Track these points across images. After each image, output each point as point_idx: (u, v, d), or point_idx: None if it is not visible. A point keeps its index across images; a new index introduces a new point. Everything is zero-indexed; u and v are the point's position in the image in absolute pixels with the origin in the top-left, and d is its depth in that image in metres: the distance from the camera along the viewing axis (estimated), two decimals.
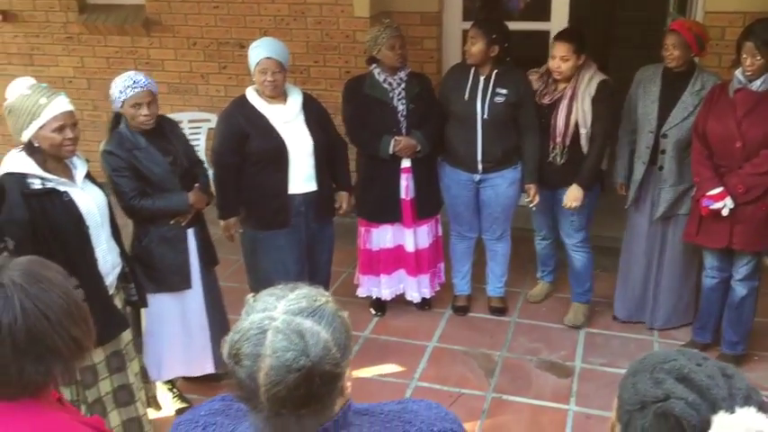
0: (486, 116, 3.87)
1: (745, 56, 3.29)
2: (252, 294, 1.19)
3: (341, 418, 1.15)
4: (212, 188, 3.57)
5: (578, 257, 4.14)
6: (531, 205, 4.08)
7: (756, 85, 3.34)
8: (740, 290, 3.63)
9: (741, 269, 3.60)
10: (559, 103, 3.83)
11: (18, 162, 2.66)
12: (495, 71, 3.87)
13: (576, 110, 3.80)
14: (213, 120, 5.69)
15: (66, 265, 2.67)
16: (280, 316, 1.10)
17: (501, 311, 4.38)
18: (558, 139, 3.86)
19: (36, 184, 2.65)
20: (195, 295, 3.41)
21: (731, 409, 0.99)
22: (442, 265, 4.42)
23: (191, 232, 3.36)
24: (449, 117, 4.02)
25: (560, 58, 3.73)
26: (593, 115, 3.79)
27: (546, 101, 3.88)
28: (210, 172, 3.62)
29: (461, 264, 4.38)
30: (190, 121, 5.53)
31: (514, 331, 4.21)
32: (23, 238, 2.51)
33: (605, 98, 3.79)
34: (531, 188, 4.02)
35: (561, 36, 3.81)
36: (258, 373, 1.07)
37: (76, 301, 1.39)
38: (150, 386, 3.33)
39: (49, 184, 2.67)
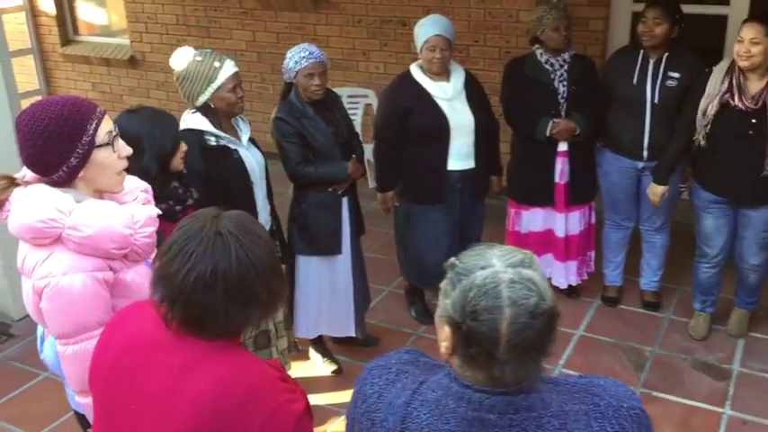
0: (656, 101, 3.70)
1: None
2: (454, 258, 1.22)
3: (526, 385, 1.17)
4: (366, 161, 3.68)
5: (756, 276, 3.77)
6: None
7: None
8: None
9: None
10: None
11: (196, 120, 2.91)
12: (666, 54, 3.68)
13: None
14: (371, 96, 5.86)
15: None
16: (506, 269, 1.14)
17: (655, 306, 4.19)
18: None
19: (212, 141, 2.89)
20: (344, 261, 3.54)
21: None
22: (592, 254, 4.29)
23: (345, 200, 3.48)
24: (613, 102, 3.88)
25: (750, 41, 3.28)
26: None
27: (748, 103, 3.35)
28: (366, 146, 3.73)
29: (615, 254, 4.23)
30: (349, 97, 5.71)
31: (668, 328, 4.02)
32: (201, 189, 2.72)
33: None
34: (659, 190, 3.75)
35: (752, 18, 3.47)
36: (500, 324, 1.11)
37: (276, 257, 1.49)
38: (290, 332, 3.48)
39: (222, 142, 2.91)
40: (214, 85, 2.88)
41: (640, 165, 3.86)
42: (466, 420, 1.16)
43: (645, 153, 3.81)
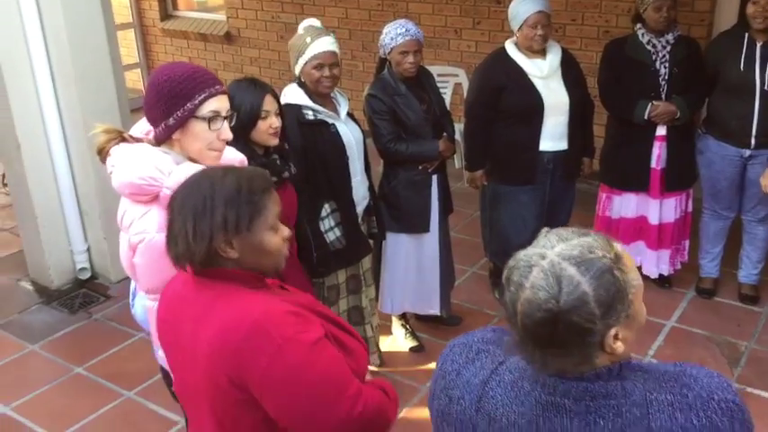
0: (765, 87, 3.50)
1: None
2: (547, 228, 1.20)
3: (605, 373, 1.13)
4: (457, 140, 3.65)
5: None
6: None
7: None
8: None
9: None
10: None
11: (294, 94, 2.94)
12: None
13: None
14: (461, 75, 5.80)
15: (329, 189, 2.98)
16: (551, 256, 1.11)
17: (753, 300, 4.01)
18: None
19: (309, 115, 2.91)
20: (431, 239, 3.53)
21: None
22: (687, 243, 4.14)
23: (435, 179, 3.46)
24: (718, 87, 3.70)
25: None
26: None
27: None
28: (455, 125, 3.69)
29: (712, 244, 4.05)
30: (438, 75, 5.62)
31: (766, 323, 3.84)
32: (298, 163, 2.75)
33: None
34: None
35: None
36: (517, 302, 1.11)
37: (251, 191, 1.51)
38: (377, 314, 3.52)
39: (320, 116, 2.93)
40: (302, 60, 2.90)
41: (747, 153, 3.68)
42: (540, 404, 1.15)
43: (753, 141, 3.62)
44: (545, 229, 1.19)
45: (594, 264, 1.09)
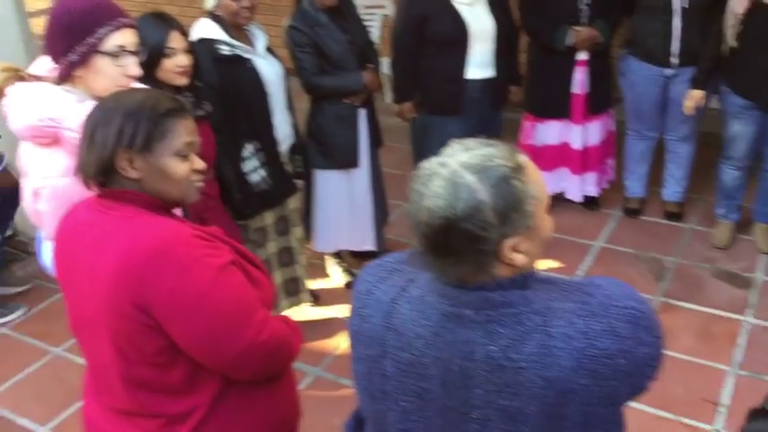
0: (685, 4, 3.53)
1: None
2: (458, 141, 1.18)
3: (507, 282, 1.12)
4: (383, 73, 3.58)
5: None
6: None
7: None
8: None
9: None
10: None
11: (208, 28, 2.81)
12: None
13: None
14: (388, 7, 5.67)
15: (249, 128, 2.89)
16: (452, 165, 1.10)
17: (677, 217, 4.13)
18: None
19: (225, 50, 2.80)
20: (362, 174, 3.49)
21: None
22: (612, 162, 4.22)
23: (362, 113, 3.40)
24: (637, 6, 3.71)
25: None
26: None
27: None
28: (383, 58, 3.62)
29: (638, 165, 4.14)
30: (366, 7, 5.52)
31: (690, 238, 3.98)
32: (215, 101, 2.65)
33: None
34: (697, 95, 3.62)
35: None
36: (419, 211, 1.11)
37: (154, 108, 1.46)
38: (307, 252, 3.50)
39: (236, 51, 2.82)
40: None
41: (669, 72, 3.72)
42: (444, 316, 1.14)
43: (674, 60, 3.66)
44: (456, 141, 1.17)
45: (492, 172, 1.08)
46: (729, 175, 3.78)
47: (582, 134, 3.99)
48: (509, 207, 1.08)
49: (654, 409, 2.80)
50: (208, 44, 2.78)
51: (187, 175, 1.51)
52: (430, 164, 1.13)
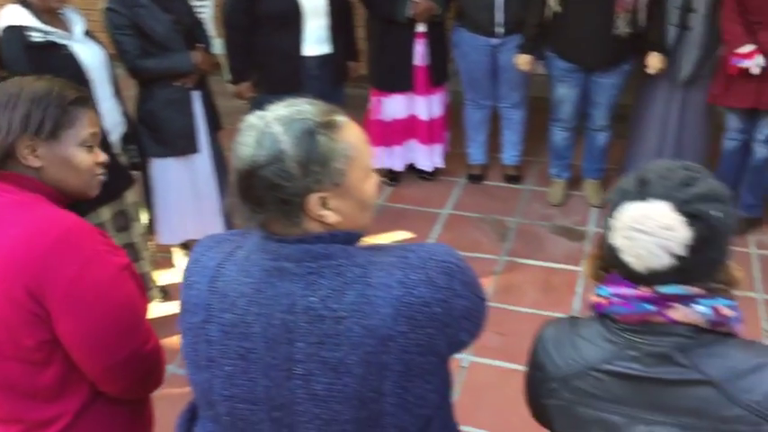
0: None
1: None
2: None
3: (327, 236, 1.13)
4: (215, 52, 3.47)
5: (602, 137, 3.98)
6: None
7: None
8: (762, 151, 3.54)
9: (765, 130, 3.49)
10: None
11: (16, 14, 2.59)
12: None
13: None
14: None
15: None
16: (268, 117, 1.12)
17: (516, 179, 4.34)
18: (627, 6, 3.47)
19: (36, 37, 2.59)
20: (203, 160, 3.37)
21: (640, 199, 1.12)
22: (448, 134, 4.34)
23: (196, 95, 3.28)
24: None
25: None
26: None
27: None
28: (216, 38, 3.51)
29: (477, 133, 4.29)
30: None
31: (529, 198, 4.19)
32: None
33: None
34: (524, 59, 3.76)
35: None
36: (234, 160, 1.14)
37: (61, 96, 1.43)
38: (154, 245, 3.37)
39: (50, 37, 2.62)
40: None
41: (495, 42, 3.86)
42: (266, 271, 1.14)
43: (500, 29, 3.80)
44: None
45: (298, 125, 1.10)
46: (559, 136, 4.01)
47: (427, 106, 4.08)
48: (312, 160, 1.09)
49: (503, 362, 2.93)
50: (16, 32, 2.56)
51: (91, 167, 1.47)
52: (250, 117, 1.15)
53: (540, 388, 1.28)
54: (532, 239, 3.79)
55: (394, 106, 4.11)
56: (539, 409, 1.32)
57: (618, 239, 1.13)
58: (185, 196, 3.39)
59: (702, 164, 4.02)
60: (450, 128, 4.32)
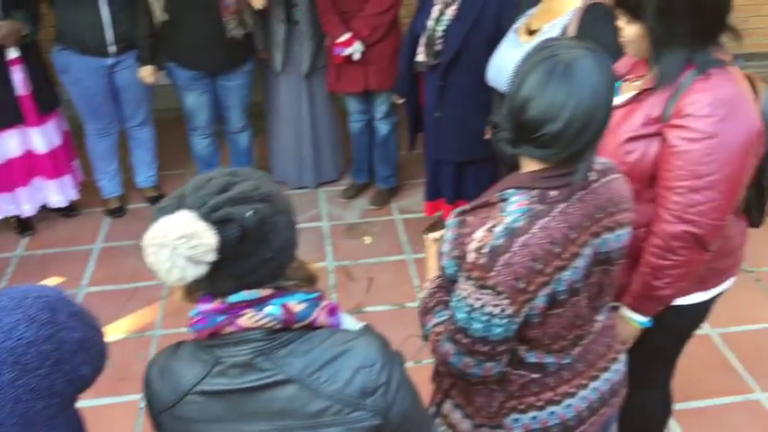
0: None
1: None
2: None
3: None
4: None
5: (244, 138, 4.04)
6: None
7: None
8: (383, 128, 3.91)
9: (380, 108, 3.85)
10: None
11: None
12: None
13: None
14: None
15: None
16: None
17: (159, 199, 4.13)
18: (232, 9, 3.50)
19: None
20: None
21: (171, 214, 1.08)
22: (77, 162, 3.97)
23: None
24: None
25: None
26: None
27: None
28: None
29: (107, 163, 3.96)
30: None
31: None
32: None
33: None
34: (146, 71, 3.64)
35: None
36: None
37: None
38: None
39: None
40: None
41: (110, 61, 3.62)
42: None
43: (112, 48, 3.57)
44: None
45: None
46: (200, 144, 3.96)
47: (43, 137, 3.65)
48: None
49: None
50: None
51: None
52: None
53: (155, 422, 1.22)
54: None
55: (6, 145, 3.60)
56: None
57: (148, 257, 1.09)
58: None
59: (340, 148, 4.31)
60: (77, 155, 3.95)
